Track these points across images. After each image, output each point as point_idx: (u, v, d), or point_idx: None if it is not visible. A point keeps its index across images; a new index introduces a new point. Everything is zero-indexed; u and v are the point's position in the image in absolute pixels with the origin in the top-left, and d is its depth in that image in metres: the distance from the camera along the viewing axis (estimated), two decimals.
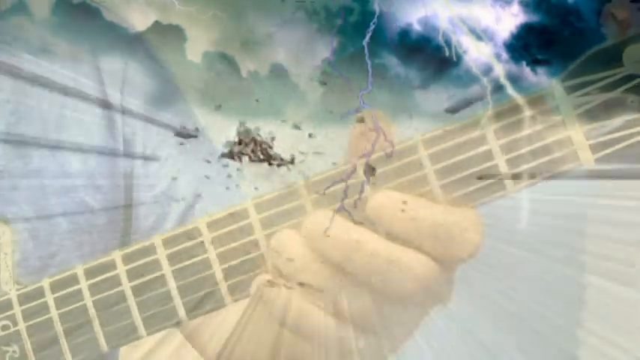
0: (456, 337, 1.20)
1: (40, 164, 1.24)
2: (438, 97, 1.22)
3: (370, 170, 1.08)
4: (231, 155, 1.19)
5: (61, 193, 1.23)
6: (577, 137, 1.04)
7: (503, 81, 1.10)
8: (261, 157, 1.18)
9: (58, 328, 1.11)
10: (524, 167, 1.05)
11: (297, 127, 1.24)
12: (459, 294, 1.12)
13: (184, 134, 1.29)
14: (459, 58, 1.16)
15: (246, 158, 1.18)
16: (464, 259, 1.04)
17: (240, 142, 1.19)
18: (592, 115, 1.04)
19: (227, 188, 1.23)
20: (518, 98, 1.05)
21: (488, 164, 1.06)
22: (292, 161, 1.17)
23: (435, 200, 1.04)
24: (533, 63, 1.17)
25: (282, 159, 1.18)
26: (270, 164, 1.17)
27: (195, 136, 1.29)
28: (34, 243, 1.20)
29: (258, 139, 1.19)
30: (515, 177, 1.05)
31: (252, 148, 1.18)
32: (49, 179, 1.25)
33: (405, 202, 1.04)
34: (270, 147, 1.19)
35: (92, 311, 1.12)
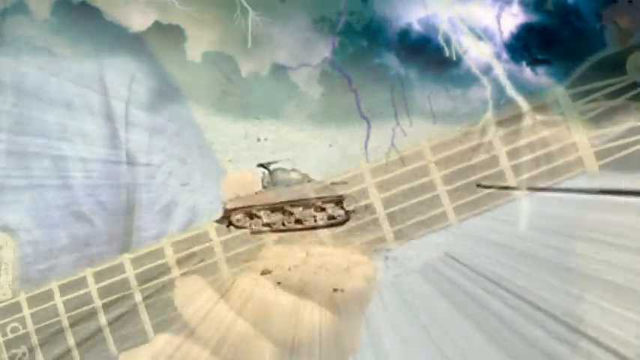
0: None
1: (41, 176, 1.23)
2: (437, 96, 1.23)
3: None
4: None
5: (62, 205, 1.23)
6: (582, 144, 1.06)
7: (503, 81, 1.10)
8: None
9: (67, 330, 1.12)
10: (530, 174, 1.07)
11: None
12: None
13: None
14: (459, 58, 1.16)
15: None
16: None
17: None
18: (597, 122, 1.05)
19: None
20: (524, 105, 1.07)
21: (494, 170, 1.07)
22: None
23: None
24: (533, 63, 1.17)
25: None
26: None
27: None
28: (35, 254, 1.20)
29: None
30: (519, 186, 1.07)
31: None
32: (50, 191, 1.24)
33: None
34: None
35: (101, 314, 1.12)
